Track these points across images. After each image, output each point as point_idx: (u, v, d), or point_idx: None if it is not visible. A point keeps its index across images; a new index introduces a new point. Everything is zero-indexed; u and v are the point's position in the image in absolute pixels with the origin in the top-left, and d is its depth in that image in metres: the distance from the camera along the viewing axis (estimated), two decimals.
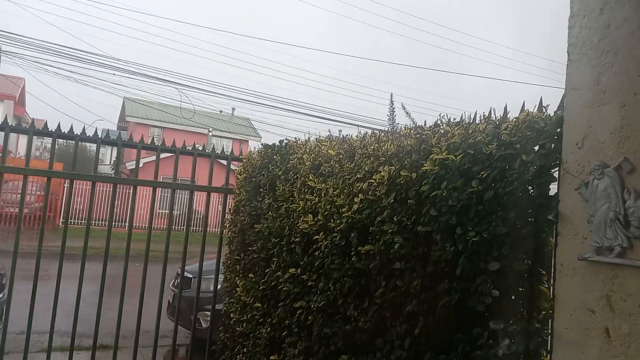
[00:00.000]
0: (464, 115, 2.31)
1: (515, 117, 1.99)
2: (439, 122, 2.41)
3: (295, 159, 3.30)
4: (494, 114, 2.15)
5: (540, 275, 1.83)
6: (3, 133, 3.52)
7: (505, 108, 2.11)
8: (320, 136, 3.39)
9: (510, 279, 1.85)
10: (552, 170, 1.81)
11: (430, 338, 2.09)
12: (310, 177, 3.03)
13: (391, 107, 2.93)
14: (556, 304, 1.72)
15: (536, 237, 1.82)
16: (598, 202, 1.57)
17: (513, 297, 1.86)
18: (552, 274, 1.77)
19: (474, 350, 1.88)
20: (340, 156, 2.88)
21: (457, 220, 1.98)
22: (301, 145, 3.43)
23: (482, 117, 2.17)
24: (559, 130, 1.79)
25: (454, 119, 2.35)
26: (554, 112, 1.87)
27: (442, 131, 2.28)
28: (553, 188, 1.83)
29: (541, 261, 1.85)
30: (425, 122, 2.61)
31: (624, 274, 1.50)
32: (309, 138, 3.46)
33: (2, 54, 18.63)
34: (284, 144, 3.68)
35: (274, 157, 3.62)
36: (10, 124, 3.54)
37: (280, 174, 3.44)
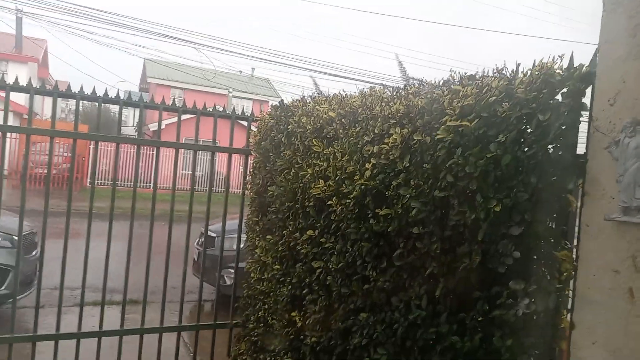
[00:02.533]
0: (477, 71, 2.18)
1: (529, 70, 1.87)
2: (450, 78, 2.29)
3: (294, 122, 3.20)
4: (506, 69, 2.02)
5: (563, 236, 1.80)
6: (28, 95, 3.57)
7: (534, 63, 2.01)
8: (315, 94, 3.24)
9: (532, 241, 1.82)
10: (576, 129, 1.74)
11: (449, 298, 2.10)
12: (314, 142, 2.95)
13: (401, 67, 2.84)
14: (579, 264, 1.70)
15: (559, 199, 1.77)
16: (629, 161, 1.52)
17: (535, 258, 1.84)
18: (577, 235, 1.74)
19: (493, 310, 1.89)
20: (342, 119, 2.78)
21: (477, 186, 1.93)
22: (298, 107, 3.29)
23: (496, 71, 2.05)
24: (582, 86, 1.71)
25: (466, 74, 2.22)
26: (580, 66, 1.77)
27: (454, 89, 2.14)
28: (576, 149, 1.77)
29: (564, 222, 1.82)
30: (435, 79, 2.43)
31: None
32: (304, 98, 3.29)
33: (24, 15, 18.68)
34: (284, 104, 3.54)
35: (275, 120, 3.52)
36: (34, 86, 3.58)
37: (282, 138, 3.37)
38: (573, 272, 1.73)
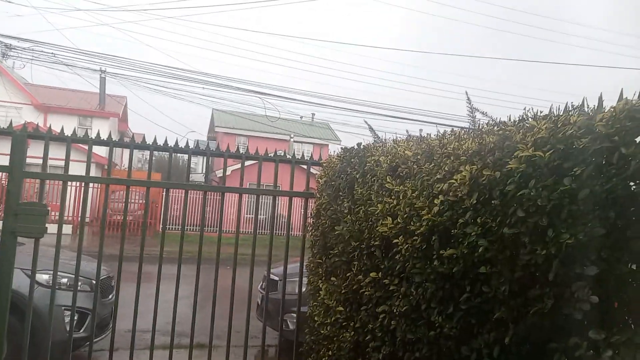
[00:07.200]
0: (552, 107, 2.15)
1: (612, 107, 1.81)
2: (524, 116, 2.27)
3: (372, 161, 3.28)
4: (587, 104, 1.98)
5: None
6: (108, 148, 3.89)
7: (600, 97, 1.94)
8: (397, 136, 3.34)
9: (611, 284, 1.68)
10: None
11: (521, 347, 1.96)
12: (388, 179, 2.99)
13: (469, 104, 2.82)
14: None
15: None
16: None
17: (616, 305, 1.69)
18: None
19: None
20: (418, 157, 2.81)
21: (548, 221, 1.85)
22: (378, 147, 3.40)
23: (570, 108, 2.01)
24: None
25: (541, 112, 2.20)
26: None
27: (528, 126, 2.13)
28: None
29: None
30: (509, 117, 2.47)
31: None
32: (385, 140, 3.43)
33: (106, 75, 20.62)
34: (361, 147, 3.68)
35: (352, 160, 3.64)
36: (113, 139, 3.90)
37: (357, 176, 3.45)
38: None
